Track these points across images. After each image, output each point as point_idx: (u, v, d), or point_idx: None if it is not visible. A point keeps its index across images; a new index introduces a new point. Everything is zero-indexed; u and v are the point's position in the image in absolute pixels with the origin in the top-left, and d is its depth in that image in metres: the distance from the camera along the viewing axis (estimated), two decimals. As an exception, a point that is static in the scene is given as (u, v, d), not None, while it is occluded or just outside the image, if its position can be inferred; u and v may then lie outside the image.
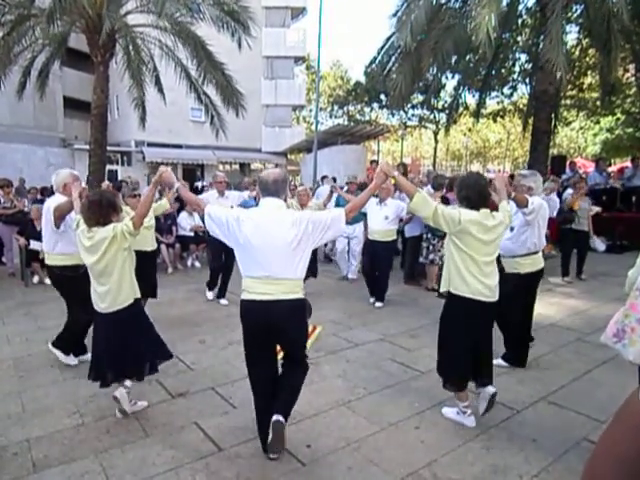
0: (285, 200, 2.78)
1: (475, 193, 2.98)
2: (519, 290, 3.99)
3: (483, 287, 2.94)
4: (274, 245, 2.55)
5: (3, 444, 2.89)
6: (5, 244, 8.03)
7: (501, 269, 4.17)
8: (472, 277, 2.92)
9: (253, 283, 2.62)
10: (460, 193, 3.05)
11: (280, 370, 2.86)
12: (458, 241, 2.94)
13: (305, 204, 6.14)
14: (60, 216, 3.84)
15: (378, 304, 6.09)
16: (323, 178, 11.44)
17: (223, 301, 6.15)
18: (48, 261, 4.07)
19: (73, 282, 3.88)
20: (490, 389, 3.08)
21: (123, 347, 3.10)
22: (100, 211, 3.04)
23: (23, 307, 5.99)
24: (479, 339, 3.05)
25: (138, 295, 3.22)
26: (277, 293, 2.58)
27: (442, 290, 3.13)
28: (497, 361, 4.03)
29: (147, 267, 5.33)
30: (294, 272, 2.61)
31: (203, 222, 2.84)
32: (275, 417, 2.63)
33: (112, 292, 3.06)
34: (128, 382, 3.16)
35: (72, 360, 4.09)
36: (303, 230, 2.58)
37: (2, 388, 3.67)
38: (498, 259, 4.08)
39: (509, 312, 4.00)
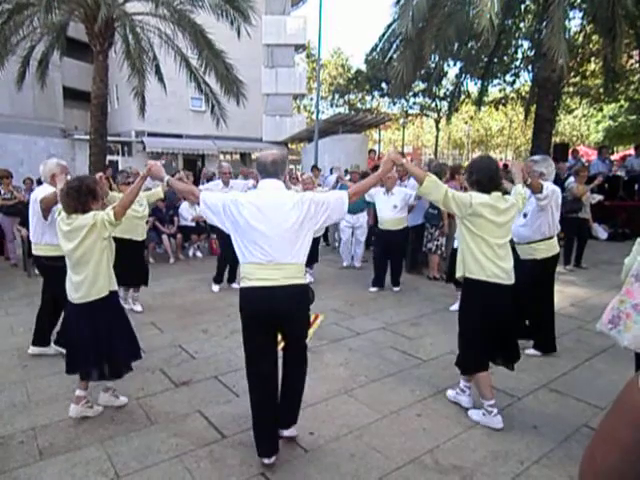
0: (284, 182, 2.72)
1: (486, 177, 2.96)
2: (538, 276, 4.00)
3: (499, 270, 2.92)
4: (276, 228, 2.47)
5: (9, 432, 2.93)
6: (7, 235, 8.06)
7: (516, 257, 4.16)
8: (487, 260, 2.91)
9: (254, 269, 2.51)
10: (471, 177, 3.03)
11: (280, 369, 2.73)
12: (471, 225, 2.92)
13: (311, 191, 6.22)
14: (46, 208, 3.76)
15: (395, 289, 6.27)
16: (313, 168, 11.36)
17: (235, 285, 6.22)
18: (35, 251, 3.99)
19: (58, 271, 3.68)
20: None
21: (95, 340, 2.97)
22: (79, 198, 2.94)
23: (26, 298, 6.01)
24: (500, 323, 3.00)
25: (114, 288, 3.10)
26: (280, 278, 2.48)
27: (458, 275, 3.11)
28: (529, 351, 4.05)
29: (138, 256, 5.41)
30: (297, 256, 2.53)
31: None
32: (287, 433, 2.72)
33: (87, 282, 2.95)
34: (80, 392, 3.09)
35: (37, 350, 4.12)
36: (305, 211, 2.52)
37: (7, 377, 3.71)
38: (513, 247, 4.06)
39: (532, 300, 4.02)
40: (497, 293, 2.94)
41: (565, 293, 6.15)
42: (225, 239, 6.39)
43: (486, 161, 3.14)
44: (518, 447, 2.77)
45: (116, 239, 5.29)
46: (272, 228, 2.47)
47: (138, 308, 5.49)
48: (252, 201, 2.53)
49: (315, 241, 6.75)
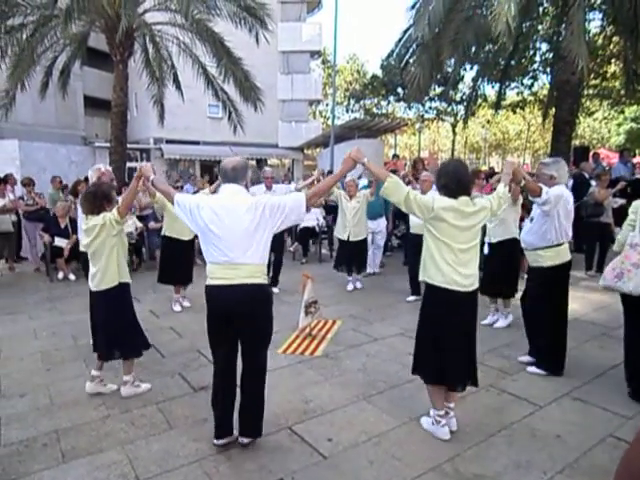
0: (246, 187, 2.79)
1: (453, 181, 2.81)
2: (545, 286, 3.78)
3: (460, 277, 2.77)
4: (231, 230, 2.60)
5: (33, 435, 2.98)
6: (30, 240, 8.25)
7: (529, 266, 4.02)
8: (448, 266, 2.76)
9: (214, 269, 2.67)
10: (439, 181, 2.91)
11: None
12: (433, 229, 2.80)
13: (354, 194, 6.46)
14: None
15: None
16: (328, 173, 11.42)
17: (275, 289, 6.24)
18: (82, 248, 4.33)
19: None
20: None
21: (100, 325, 3.49)
22: (94, 202, 3.36)
23: (49, 302, 6.14)
24: (459, 334, 2.84)
25: (124, 280, 3.45)
26: (236, 278, 2.61)
27: (420, 279, 3.01)
28: (531, 369, 3.88)
29: (184, 255, 5.70)
30: (253, 257, 2.63)
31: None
32: (241, 439, 2.76)
33: (99, 273, 3.37)
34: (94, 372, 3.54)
35: None
36: (260, 215, 2.61)
37: (31, 381, 3.79)
38: (521, 252, 3.95)
39: (539, 312, 3.83)
40: (456, 301, 2.80)
41: (588, 299, 6.03)
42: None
43: (454, 165, 3.01)
44: (541, 457, 2.72)
45: (165, 238, 5.67)
46: (227, 230, 2.61)
47: (186, 304, 5.79)
48: (210, 204, 2.67)
49: (364, 249, 6.74)
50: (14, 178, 8.85)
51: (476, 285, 2.88)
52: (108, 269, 3.36)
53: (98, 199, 3.36)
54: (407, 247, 6.98)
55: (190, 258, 5.93)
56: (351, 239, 6.50)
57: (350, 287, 6.66)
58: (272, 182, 6.45)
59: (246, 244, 2.61)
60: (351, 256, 6.60)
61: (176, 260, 5.61)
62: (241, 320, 2.66)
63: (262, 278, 2.70)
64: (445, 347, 2.83)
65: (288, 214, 2.68)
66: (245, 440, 2.79)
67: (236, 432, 2.82)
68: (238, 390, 2.82)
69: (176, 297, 5.78)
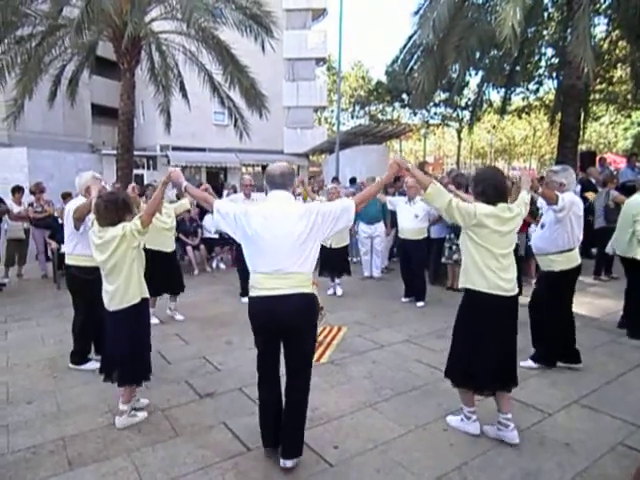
0: (293, 193, 2.75)
1: (491, 188, 2.86)
2: (554, 288, 3.88)
3: (503, 282, 2.82)
4: (283, 238, 2.52)
5: (40, 442, 2.98)
6: (37, 247, 8.31)
7: (537, 266, 4.15)
8: (490, 271, 2.81)
9: (262, 279, 2.57)
10: (476, 188, 2.95)
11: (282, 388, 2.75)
12: (474, 235, 2.85)
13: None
14: (79, 218, 3.84)
15: (419, 304, 6.11)
16: (334, 179, 11.48)
17: (245, 299, 6.20)
18: (67, 261, 4.11)
19: (87, 284, 3.84)
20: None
21: (131, 345, 3.13)
22: (117, 211, 3.07)
23: (56, 309, 6.16)
24: (501, 339, 2.87)
25: (145, 295, 3.23)
26: (286, 288, 2.52)
27: (461, 287, 3.03)
28: (526, 363, 3.96)
29: (169, 266, 5.45)
30: (303, 266, 2.56)
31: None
32: (283, 463, 2.62)
33: (120, 290, 3.09)
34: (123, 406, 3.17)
35: (92, 364, 4.06)
36: (313, 222, 2.55)
37: (38, 388, 3.79)
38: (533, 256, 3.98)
39: (546, 311, 3.92)
40: (500, 306, 2.85)
41: (596, 305, 5.98)
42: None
43: (491, 172, 3.07)
44: (549, 465, 2.68)
45: (145, 251, 5.48)
46: (279, 238, 2.53)
47: (179, 317, 5.58)
48: (261, 212, 2.59)
49: (345, 253, 6.74)
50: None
51: (517, 290, 2.92)
52: (130, 284, 3.09)
53: (120, 208, 3.08)
54: (397, 251, 6.97)
55: (175, 268, 5.68)
56: (333, 246, 6.42)
57: (330, 291, 6.66)
58: (251, 190, 6.38)
59: (298, 252, 2.54)
60: (333, 262, 6.56)
61: (161, 273, 5.21)
62: (289, 330, 2.58)
63: (310, 288, 2.62)
64: (482, 352, 2.85)
65: (338, 221, 2.61)
66: (289, 463, 2.61)
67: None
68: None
69: (153, 310, 5.32)
